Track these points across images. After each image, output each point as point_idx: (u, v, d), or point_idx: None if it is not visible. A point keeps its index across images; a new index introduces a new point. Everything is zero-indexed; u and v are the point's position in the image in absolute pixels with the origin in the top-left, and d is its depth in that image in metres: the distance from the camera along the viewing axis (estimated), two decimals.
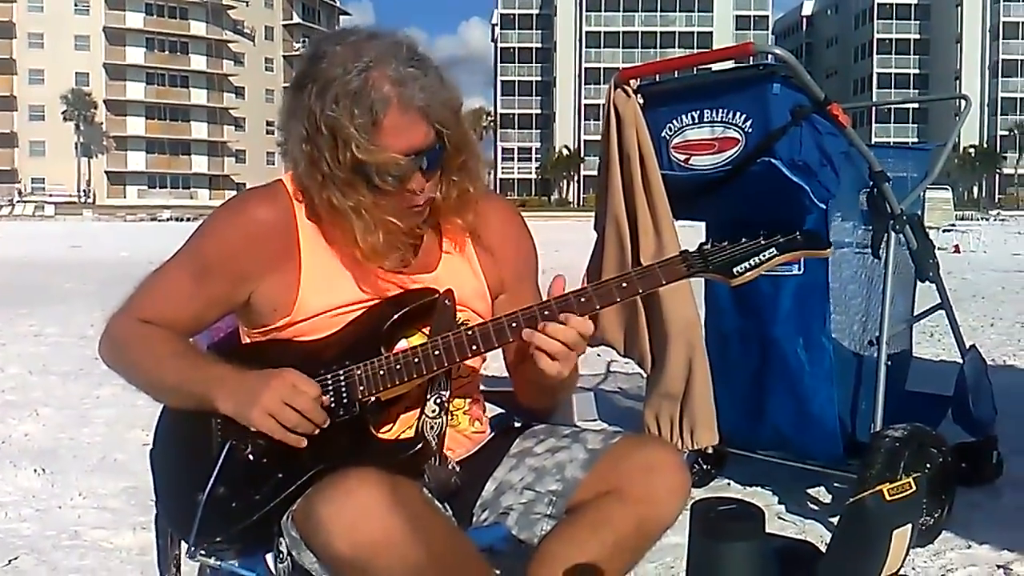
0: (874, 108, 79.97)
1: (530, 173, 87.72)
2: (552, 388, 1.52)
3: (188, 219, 39.21)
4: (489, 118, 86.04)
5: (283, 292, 1.50)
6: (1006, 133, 77.87)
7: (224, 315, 1.59)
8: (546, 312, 1.43)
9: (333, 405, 1.43)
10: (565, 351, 1.41)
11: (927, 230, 3.01)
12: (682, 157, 2.81)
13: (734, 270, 1.41)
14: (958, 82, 75.68)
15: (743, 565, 1.11)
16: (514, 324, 1.43)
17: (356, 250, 1.47)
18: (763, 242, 1.42)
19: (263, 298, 1.51)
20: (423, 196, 1.47)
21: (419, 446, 1.45)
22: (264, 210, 1.51)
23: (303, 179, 1.46)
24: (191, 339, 1.56)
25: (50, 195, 66.54)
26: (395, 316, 1.49)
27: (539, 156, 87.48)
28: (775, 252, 1.41)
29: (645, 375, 2.87)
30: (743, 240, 1.42)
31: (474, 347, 1.43)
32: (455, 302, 1.52)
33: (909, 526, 1.23)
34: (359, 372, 1.44)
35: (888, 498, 1.20)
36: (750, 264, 1.41)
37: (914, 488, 1.23)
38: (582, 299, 1.43)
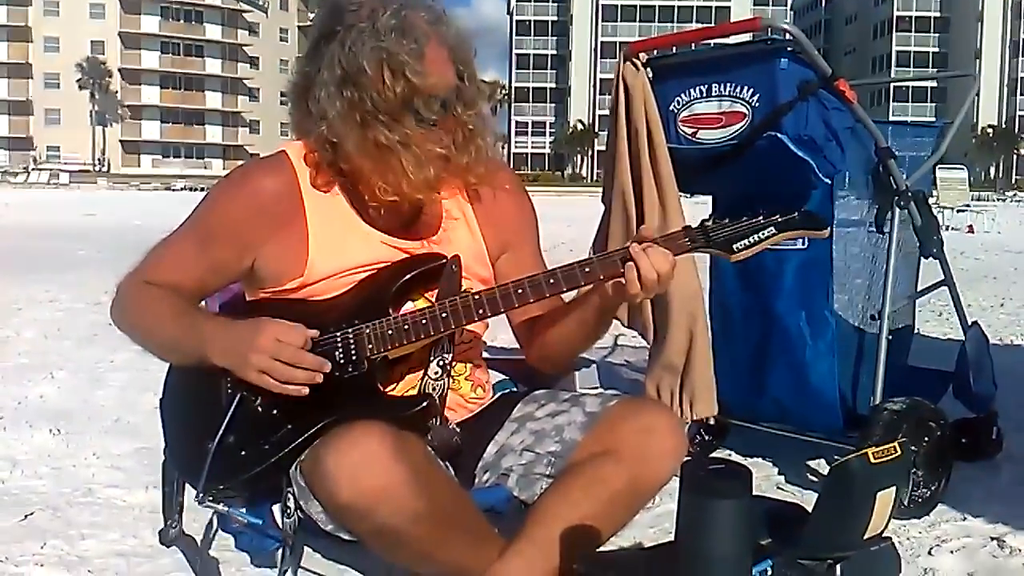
0: (892, 87, 79.04)
1: (544, 148, 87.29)
2: (586, 336, 1.59)
3: (201, 189, 38.92)
4: (503, 92, 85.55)
5: (290, 258, 1.53)
6: None
7: (229, 283, 1.62)
8: (551, 280, 1.47)
9: (342, 361, 1.48)
10: (654, 281, 1.43)
11: (932, 207, 3.02)
12: (690, 131, 2.83)
13: (734, 246, 1.45)
14: (978, 61, 74.63)
15: (730, 522, 1.15)
16: (520, 291, 1.47)
17: (404, 181, 1.49)
18: (762, 220, 1.46)
19: (269, 264, 1.55)
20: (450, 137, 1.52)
21: (424, 403, 1.49)
22: (267, 180, 1.55)
23: (337, 128, 1.47)
24: (202, 303, 1.61)
25: (65, 163, 66.69)
26: (404, 278, 1.53)
27: (553, 131, 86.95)
28: (773, 231, 1.45)
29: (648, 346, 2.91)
30: (743, 218, 1.46)
31: (481, 311, 1.48)
32: (461, 268, 1.56)
33: (893, 489, 1.27)
34: (368, 331, 1.48)
35: (873, 461, 1.23)
36: (749, 241, 1.45)
37: (899, 452, 1.27)
38: (586, 269, 1.47)
